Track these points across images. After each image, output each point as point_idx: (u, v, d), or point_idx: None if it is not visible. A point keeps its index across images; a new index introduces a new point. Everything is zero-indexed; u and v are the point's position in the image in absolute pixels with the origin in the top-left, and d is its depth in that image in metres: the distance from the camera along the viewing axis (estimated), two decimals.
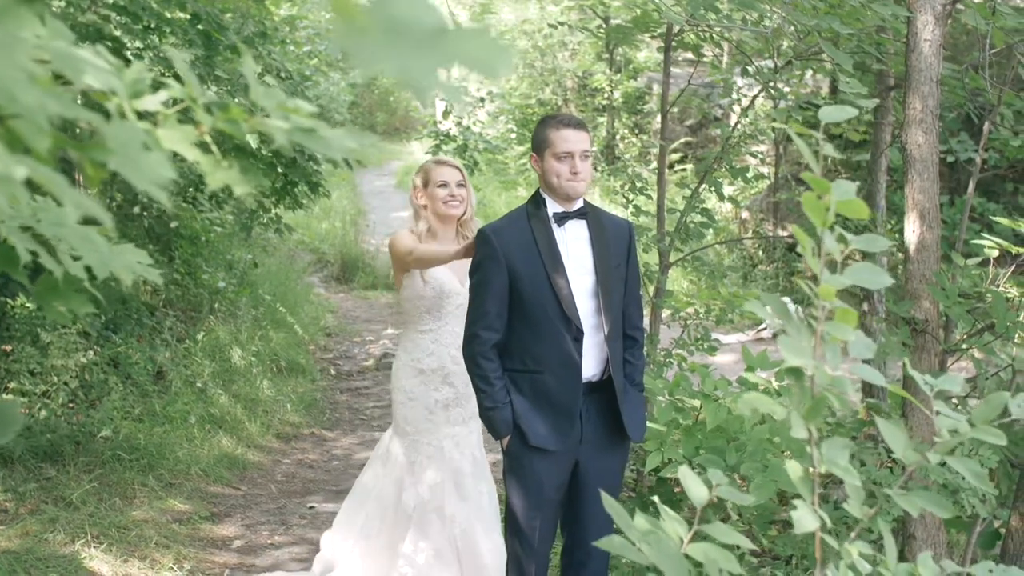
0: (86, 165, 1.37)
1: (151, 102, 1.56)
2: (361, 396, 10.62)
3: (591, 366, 4.40)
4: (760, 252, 16.07)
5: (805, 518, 1.89)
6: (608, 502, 1.94)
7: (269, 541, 6.69)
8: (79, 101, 1.50)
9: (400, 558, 5.23)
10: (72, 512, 6.39)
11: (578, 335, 4.32)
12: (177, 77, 1.63)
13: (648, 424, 5.41)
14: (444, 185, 5.35)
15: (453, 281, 5.35)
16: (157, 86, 1.64)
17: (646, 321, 5.62)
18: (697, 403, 6.08)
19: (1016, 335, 5.43)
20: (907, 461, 1.97)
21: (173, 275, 10.16)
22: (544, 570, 4.60)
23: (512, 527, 4.53)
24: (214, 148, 1.63)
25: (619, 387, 4.42)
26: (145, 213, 9.65)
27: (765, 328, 13.30)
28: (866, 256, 5.55)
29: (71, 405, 7.63)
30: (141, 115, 1.55)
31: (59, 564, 5.71)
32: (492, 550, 5.26)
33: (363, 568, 5.42)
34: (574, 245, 4.40)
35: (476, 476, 5.38)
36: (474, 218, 5.49)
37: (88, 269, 1.85)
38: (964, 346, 5.68)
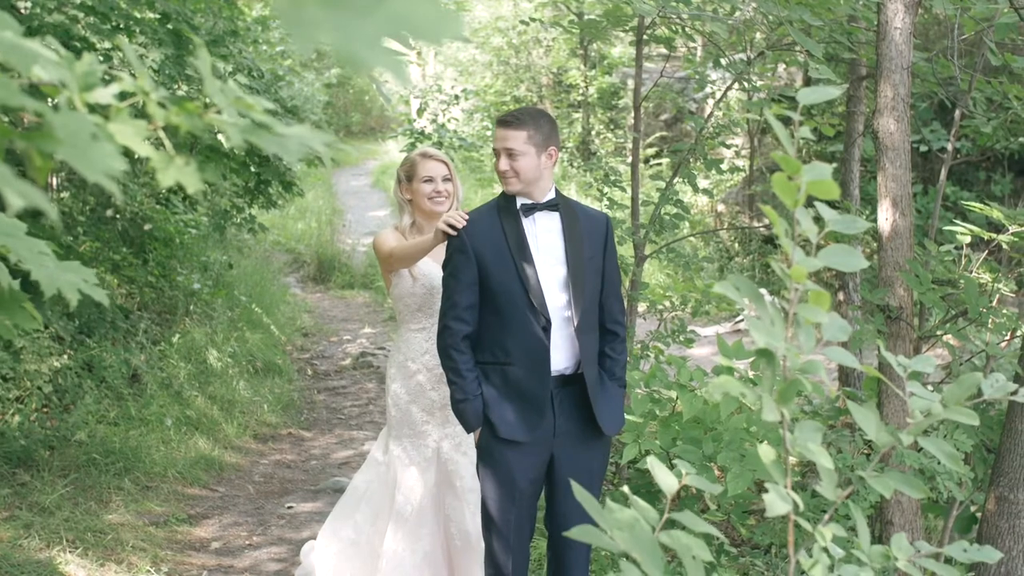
0: (34, 156, 1.34)
1: (102, 95, 1.53)
2: (339, 395, 10.58)
3: (562, 359, 4.39)
4: (736, 244, 16.10)
5: (776, 501, 1.88)
6: (579, 491, 1.93)
7: (247, 542, 6.65)
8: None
9: (383, 559, 5.14)
10: (47, 517, 6.34)
11: (546, 326, 4.31)
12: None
13: (625, 416, 5.40)
14: (430, 180, 5.20)
15: (440, 274, 5.22)
16: (109, 80, 1.61)
17: None
18: (673, 394, 6.08)
19: (989, 321, 5.45)
20: (879, 442, 1.96)
21: (148, 278, 10.11)
22: (524, 567, 4.57)
23: (486, 520, 4.52)
24: (167, 143, 1.60)
25: (591, 381, 4.39)
26: (119, 216, 9.59)
27: (742, 320, 13.31)
28: (840, 240, 5.55)
29: (45, 410, 7.57)
30: (92, 108, 1.52)
31: (35, 570, 5.66)
32: None
33: (348, 572, 5.32)
34: (545, 237, 4.39)
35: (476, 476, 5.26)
36: (462, 212, 5.36)
37: (36, 283, 1.81)
38: (939, 332, 5.69)
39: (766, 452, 2.03)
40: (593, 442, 4.47)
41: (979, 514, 5.20)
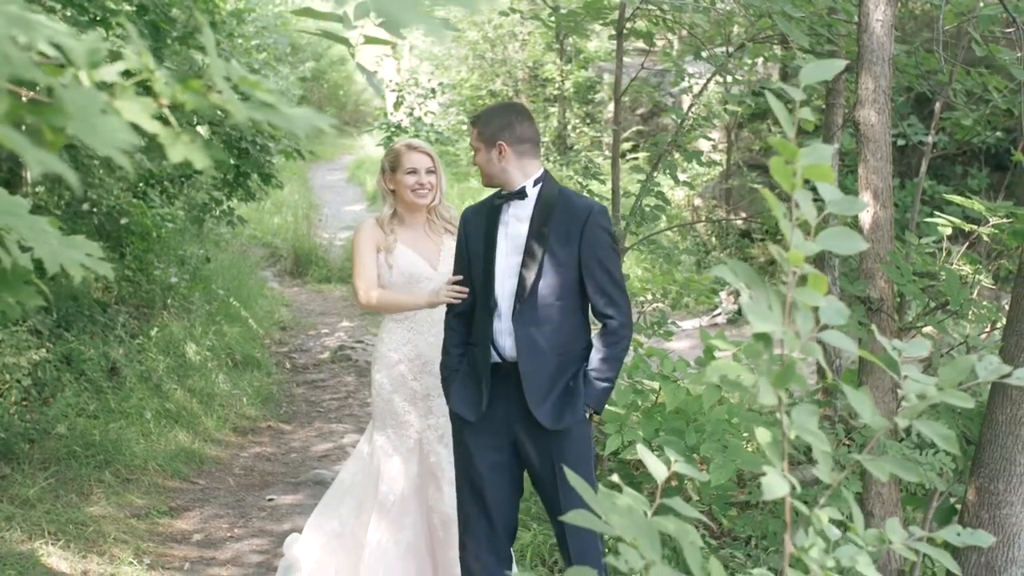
0: (45, 130, 1.33)
1: (108, 72, 1.53)
2: (317, 389, 10.57)
3: (510, 346, 4.47)
4: (713, 238, 16.15)
5: (775, 483, 1.88)
6: (572, 477, 1.94)
7: (229, 534, 6.64)
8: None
9: (367, 550, 5.13)
10: (28, 510, 6.31)
11: (492, 311, 4.48)
12: None
13: (607, 407, 5.39)
14: (413, 172, 5.20)
15: (421, 265, 5.19)
16: (114, 57, 1.60)
17: None
18: (656, 385, 6.10)
19: (970, 312, 5.47)
20: (875, 426, 1.97)
21: (124, 271, 10.06)
22: (493, 548, 4.58)
23: (456, 496, 4.70)
24: (173, 120, 1.60)
25: (526, 371, 4.42)
26: (95, 210, 9.54)
27: (719, 313, 13.37)
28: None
29: (24, 403, 7.53)
30: (98, 86, 1.51)
31: (17, 562, 5.63)
32: None
33: (332, 564, 5.31)
34: (514, 225, 4.50)
35: None
36: (444, 202, 5.38)
37: (38, 262, 1.80)
38: (919, 324, 5.72)
39: (763, 434, 2.04)
40: (552, 431, 4.45)
41: (959, 506, 5.23)
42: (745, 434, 5.84)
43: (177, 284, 10.85)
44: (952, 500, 5.45)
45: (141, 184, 10.30)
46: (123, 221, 9.91)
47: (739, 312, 13.32)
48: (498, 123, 4.47)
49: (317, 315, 13.95)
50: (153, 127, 1.50)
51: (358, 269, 5.19)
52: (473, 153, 4.58)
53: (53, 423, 7.36)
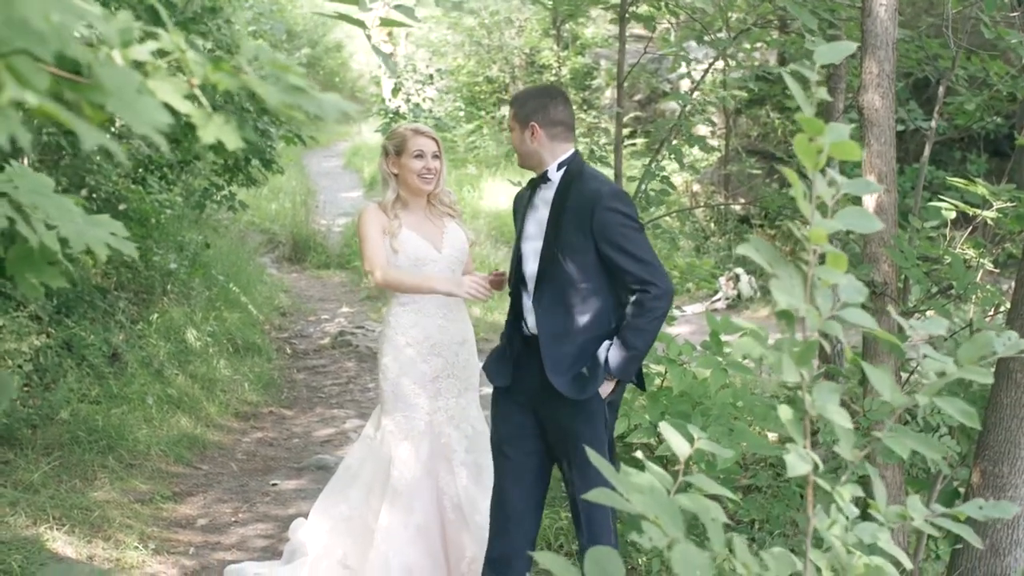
0: (84, 107, 1.34)
1: (141, 52, 1.53)
2: (318, 374, 10.58)
3: (533, 322, 4.60)
4: (712, 224, 16.16)
5: (798, 462, 1.89)
6: (592, 455, 1.95)
7: (233, 519, 6.65)
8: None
9: (379, 533, 5.12)
10: (33, 495, 6.31)
11: (520, 290, 4.65)
12: None
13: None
14: (420, 156, 5.16)
15: (426, 248, 5.16)
16: (143, 38, 1.60)
17: None
18: (662, 368, 6.11)
19: (974, 296, 5.49)
20: (895, 403, 1.98)
21: (124, 257, 10.05)
22: (510, 517, 4.66)
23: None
24: (204, 100, 1.60)
25: (545, 347, 4.50)
26: (93, 196, 9.53)
27: (719, 299, 13.40)
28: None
29: (26, 388, 7.53)
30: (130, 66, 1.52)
31: (22, 547, 5.63)
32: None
33: (340, 547, 5.29)
34: (541, 209, 4.59)
35: (472, 449, 5.26)
36: (445, 188, 5.36)
37: (63, 241, 1.80)
38: (922, 308, 5.73)
39: (785, 412, 2.04)
40: (565, 401, 4.47)
41: (962, 489, 5.25)
42: (750, 417, 5.85)
43: (176, 270, 10.85)
44: (955, 484, 5.47)
45: (140, 170, 10.29)
46: (121, 207, 9.90)
47: (739, 297, 13.36)
48: (532, 105, 4.56)
49: (316, 301, 13.97)
50: (186, 107, 1.50)
51: (369, 252, 5.14)
52: (510, 131, 4.70)
53: (56, 409, 7.36)
